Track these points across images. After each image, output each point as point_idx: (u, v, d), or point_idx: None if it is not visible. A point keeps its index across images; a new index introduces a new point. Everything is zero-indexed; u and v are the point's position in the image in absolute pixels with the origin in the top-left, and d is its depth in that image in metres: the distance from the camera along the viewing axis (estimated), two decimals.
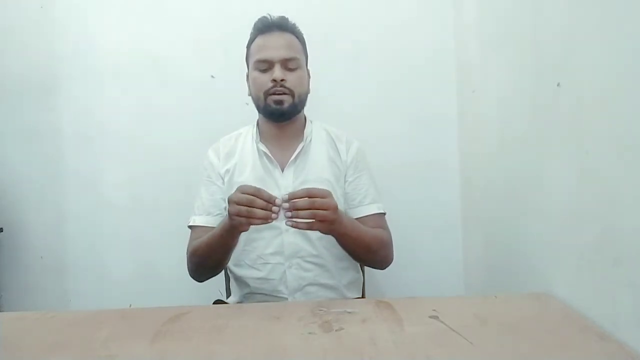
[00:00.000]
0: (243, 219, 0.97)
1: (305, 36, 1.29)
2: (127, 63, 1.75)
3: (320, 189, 1.02)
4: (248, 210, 0.96)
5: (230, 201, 0.99)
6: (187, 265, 1.22)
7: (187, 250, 1.22)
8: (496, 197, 1.35)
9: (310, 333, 0.77)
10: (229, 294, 1.38)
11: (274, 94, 1.19)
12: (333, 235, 1.11)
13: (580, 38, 0.84)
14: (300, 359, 0.69)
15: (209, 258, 1.16)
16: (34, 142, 1.78)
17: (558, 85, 0.92)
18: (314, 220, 0.98)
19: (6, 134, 1.79)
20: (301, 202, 0.97)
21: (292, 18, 1.27)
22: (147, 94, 1.76)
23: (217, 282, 1.47)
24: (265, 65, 1.20)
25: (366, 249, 1.17)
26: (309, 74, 1.29)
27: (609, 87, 0.76)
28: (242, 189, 0.98)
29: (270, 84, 1.19)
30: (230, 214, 0.99)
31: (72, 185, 1.79)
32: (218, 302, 1.32)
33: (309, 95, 1.29)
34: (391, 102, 1.73)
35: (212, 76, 1.74)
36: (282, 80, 1.19)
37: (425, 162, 1.73)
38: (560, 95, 0.91)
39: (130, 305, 1.30)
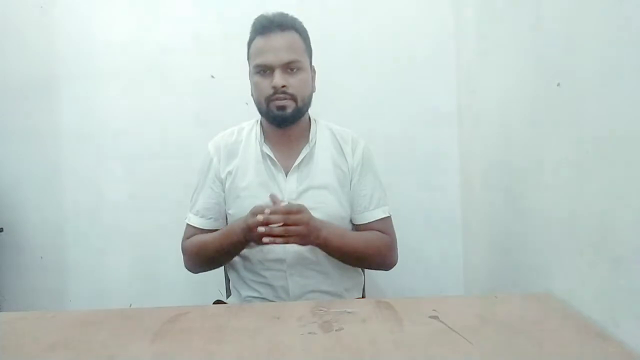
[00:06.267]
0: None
1: None
2: (127, 63, 1.75)
3: (295, 205, 1.06)
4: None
5: (250, 227, 1.04)
6: (184, 257, 1.24)
7: (183, 243, 1.25)
8: (496, 197, 1.35)
9: (310, 333, 0.77)
10: (229, 294, 1.38)
11: (276, 99, 1.14)
12: (314, 246, 1.12)
13: (580, 38, 0.84)
14: (300, 359, 0.69)
15: (214, 260, 1.19)
16: (34, 142, 1.78)
17: (558, 85, 0.92)
18: (288, 236, 1.03)
19: (6, 134, 1.79)
20: (274, 218, 1.01)
21: None
22: (147, 93, 1.76)
23: (217, 282, 1.47)
24: (266, 70, 1.15)
25: (354, 255, 1.17)
26: (314, 70, 1.24)
27: (608, 86, 0.76)
28: (255, 210, 1.03)
29: (272, 90, 1.14)
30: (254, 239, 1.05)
31: (72, 185, 1.79)
32: (218, 302, 1.31)
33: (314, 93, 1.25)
34: (391, 101, 1.73)
35: (212, 76, 1.74)
36: (283, 86, 1.14)
37: (425, 162, 1.74)
38: (560, 95, 0.91)
39: (130, 305, 1.30)
